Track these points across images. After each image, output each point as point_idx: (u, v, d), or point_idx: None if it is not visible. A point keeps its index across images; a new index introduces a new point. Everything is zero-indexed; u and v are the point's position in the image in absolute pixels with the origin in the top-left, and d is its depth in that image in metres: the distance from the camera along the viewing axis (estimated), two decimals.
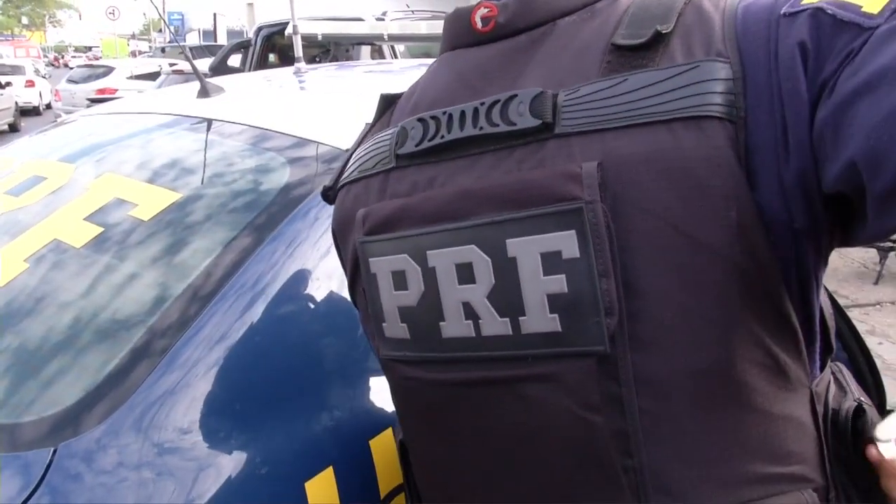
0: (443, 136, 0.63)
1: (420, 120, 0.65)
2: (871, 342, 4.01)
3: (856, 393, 0.66)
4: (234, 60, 5.75)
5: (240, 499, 0.77)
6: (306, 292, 0.94)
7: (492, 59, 0.65)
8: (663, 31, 0.55)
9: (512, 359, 0.59)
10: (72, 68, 17.51)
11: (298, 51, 1.69)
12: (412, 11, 5.39)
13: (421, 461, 0.74)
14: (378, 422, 0.88)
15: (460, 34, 0.68)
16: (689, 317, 0.54)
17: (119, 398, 0.80)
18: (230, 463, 0.78)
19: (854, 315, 4.29)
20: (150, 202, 1.07)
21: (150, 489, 0.74)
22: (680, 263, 0.53)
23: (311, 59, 5.18)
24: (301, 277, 0.94)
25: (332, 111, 1.29)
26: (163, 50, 16.98)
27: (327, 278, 0.94)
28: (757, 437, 0.57)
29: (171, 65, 10.78)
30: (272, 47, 5.49)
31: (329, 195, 0.77)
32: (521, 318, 0.57)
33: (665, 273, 0.53)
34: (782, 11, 0.52)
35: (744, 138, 0.52)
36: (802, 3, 0.52)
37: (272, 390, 0.85)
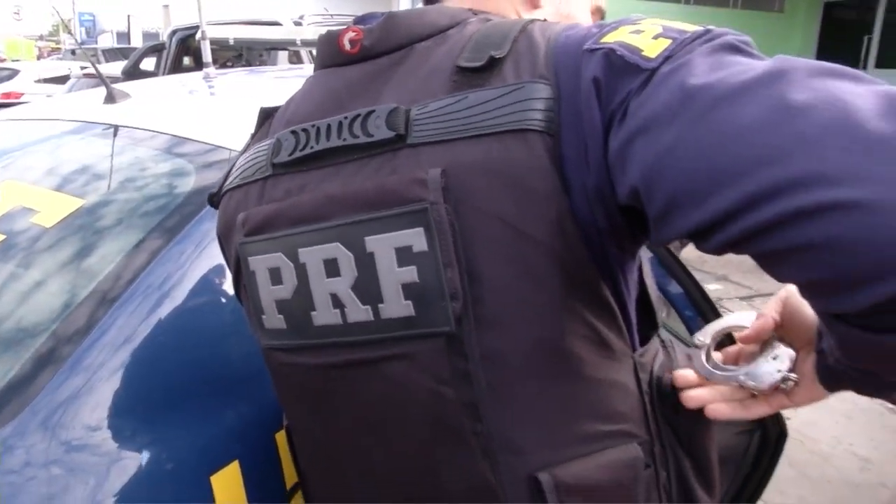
0: (312, 147, 0.69)
1: (293, 132, 0.71)
2: None
3: (681, 363, 0.76)
4: (148, 64, 5.62)
5: (147, 493, 0.79)
6: (213, 291, 0.97)
7: (357, 78, 0.72)
8: (497, 56, 0.63)
9: (374, 342, 0.66)
10: None
11: (207, 56, 1.70)
12: (331, 16, 5.39)
13: (301, 441, 0.80)
14: (283, 416, 0.91)
15: (331, 55, 0.75)
16: (522, 299, 0.62)
17: (21, 403, 0.81)
18: (137, 460, 0.81)
19: (757, 304, 4.55)
20: (53, 208, 1.08)
21: (60, 485, 0.76)
22: (513, 254, 0.61)
23: (223, 64, 5.12)
24: (207, 277, 0.96)
25: (239, 116, 1.31)
26: (73, 52, 16.32)
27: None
28: (587, 401, 0.66)
29: (83, 68, 10.38)
30: (187, 50, 5.37)
31: (214, 200, 0.82)
32: (380, 305, 0.64)
33: (501, 263, 0.61)
34: (586, 46, 0.61)
35: (559, 150, 0.60)
36: (601, 41, 0.60)
37: (179, 388, 0.88)
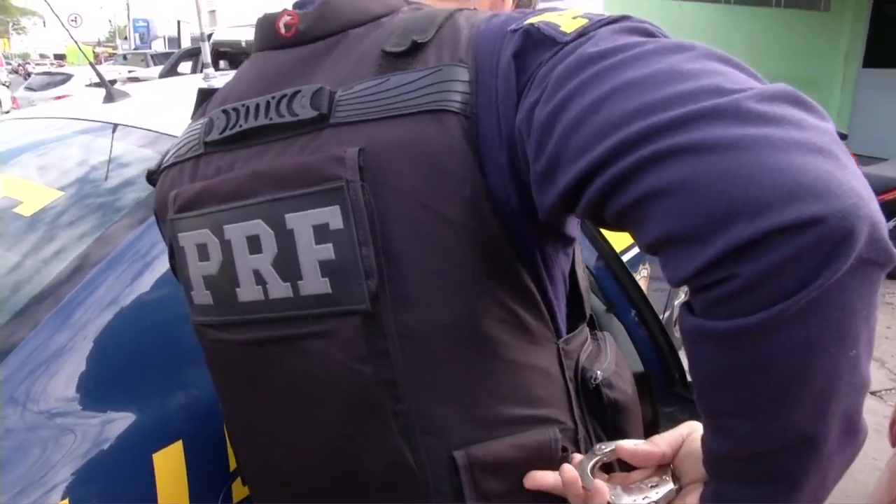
0: (240, 126, 0.71)
1: (224, 111, 0.73)
2: None
3: (611, 360, 0.76)
4: (186, 68, 5.79)
5: (93, 464, 0.83)
6: (170, 276, 1.01)
7: (292, 61, 0.73)
8: (419, 41, 0.65)
9: (295, 318, 0.67)
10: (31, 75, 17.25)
11: (206, 57, 1.75)
12: None
13: (230, 417, 0.82)
14: None
15: (267, 38, 0.76)
16: (437, 278, 0.63)
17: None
18: (87, 431, 0.86)
19: None
20: (34, 199, 1.14)
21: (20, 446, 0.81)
22: (427, 233, 0.62)
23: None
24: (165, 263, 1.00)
25: None
26: (125, 57, 16.87)
27: None
28: (507, 383, 0.66)
29: (130, 72, 10.72)
30: (223, 54, 5.53)
31: (154, 179, 0.84)
32: (299, 282, 0.65)
33: (416, 242, 0.62)
34: (510, 28, 0.62)
35: (475, 130, 0.61)
36: (525, 22, 0.62)
37: (130, 369, 0.93)
